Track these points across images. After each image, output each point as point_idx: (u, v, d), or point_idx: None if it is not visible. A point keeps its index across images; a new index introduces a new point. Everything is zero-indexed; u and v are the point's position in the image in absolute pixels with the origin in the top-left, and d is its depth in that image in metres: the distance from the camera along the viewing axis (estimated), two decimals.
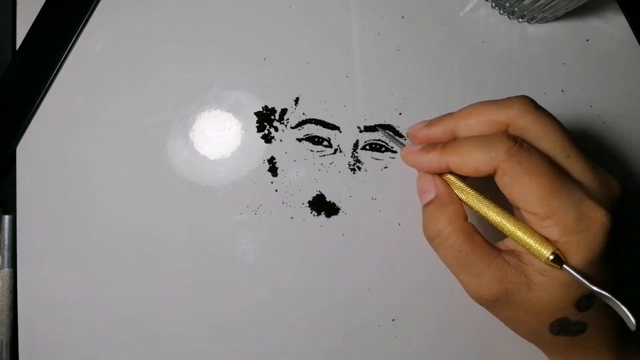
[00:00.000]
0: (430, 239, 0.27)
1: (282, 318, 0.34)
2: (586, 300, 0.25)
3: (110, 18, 0.37)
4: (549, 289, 0.25)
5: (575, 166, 0.25)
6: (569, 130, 0.27)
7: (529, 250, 0.25)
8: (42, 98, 0.35)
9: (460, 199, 0.27)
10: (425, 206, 0.28)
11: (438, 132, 0.28)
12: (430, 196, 0.27)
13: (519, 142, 0.25)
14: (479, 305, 0.30)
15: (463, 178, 0.28)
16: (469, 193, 0.27)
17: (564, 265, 0.23)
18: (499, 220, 0.26)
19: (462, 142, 0.26)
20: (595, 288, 0.23)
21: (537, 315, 0.25)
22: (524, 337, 0.28)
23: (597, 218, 0.24)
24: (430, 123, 0.29)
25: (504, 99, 0.27)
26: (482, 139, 0.25)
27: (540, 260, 0.24)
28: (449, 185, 0.28)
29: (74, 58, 0.36)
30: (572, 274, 0.23)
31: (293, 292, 0.34)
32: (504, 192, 0.25)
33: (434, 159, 0.27)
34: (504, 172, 0.24)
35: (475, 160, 0.25)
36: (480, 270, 0.25)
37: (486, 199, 0.26)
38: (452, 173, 0.28)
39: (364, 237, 0.35)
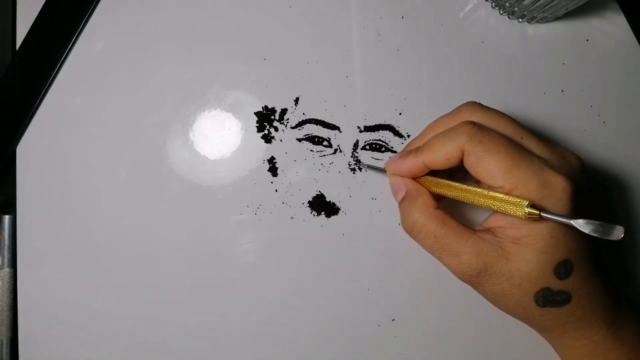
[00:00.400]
0: (409, 231, 0.30)
1: (282, 318, 0.34)
2: (564, 266, 0.26)
3: (110, 18, 0.37)
4: (524, 256, 0.26)
5: (531, 144, 0.28)
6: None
7: (506, 212, 0.26)
8: (42, 98, 0.35)
9: (438, 193, 0.30)
10: (400, 204, 0.31)
11: (409, 167, 0.31)
12: (401, 194, 0.31)
13: (477, 125, 0.28)
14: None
15: (448, 175, 0.31)
16: (444, 184, 0.29)
17: (542, 213, 0.25)
18: (474, 197, 0.28)
19: (431, 139, 0.29)
20: (572, 222, 0.25)
21: (519, 285, 0.27)
22: (514, 315, 0.29)
23: (558, 183, 0.26)
24: (402, 154, 0.32)
25: (453, 110, 0.30)
26: (447, 131, 0.29)
27: (520, 216, 0.25)
28: (416, 181, 0.31)
29: (74, 58, 0.36)
30: (551, 217, 0.25)
31: (293, 292, 0.34)
32: (472, 173, 0.28)
33: (412, 161, 0.30)
34: (468, 153, 0.27)
35: (444, 150, 0.28)
36: (457, 250, 0.28)
37: (461, 184, 0.29)
38: (429, 174, 0.31)
39: (364, 237, 0.35)
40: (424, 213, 0.29)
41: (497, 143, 0.27)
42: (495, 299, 0.29)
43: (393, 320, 0.34)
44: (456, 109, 0.30)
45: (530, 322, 0.29)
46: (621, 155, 0.37)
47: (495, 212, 0.27)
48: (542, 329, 0.30)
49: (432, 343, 0.34)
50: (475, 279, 0.28)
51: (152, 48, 0.37)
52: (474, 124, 0.28)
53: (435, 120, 0.31)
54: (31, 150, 0.35)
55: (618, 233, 0.24)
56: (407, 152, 0.31)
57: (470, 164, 0.27)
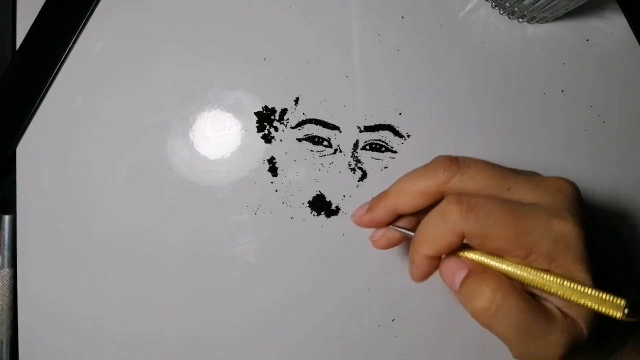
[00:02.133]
0: (481, 316, 0.25)
1: (282, 318, 0.34)
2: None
3: (110, 18, 0.37)
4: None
5: (521, 192, 0.25)
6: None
7: (597, 310, 0.22)
8: (42, 98, 0.35)
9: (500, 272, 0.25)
10: (462, 285, 0.25)
11: (379, 213, 0.28)
12: (462, 273, 0.25)
13: (466, 202, 0.24)
14: None
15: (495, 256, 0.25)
16: (505, 263, 0.25)
17: None
18: (558, 289, 0.23)
19: (422, 227, 0.25)
20: None
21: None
22: None
23: (569, 231, 0.23)
24: (370, 207, 0.28)
25: (424, 168, 0.26)
26: (438, 217, 0.25)
27: (618, 317, 0.22)
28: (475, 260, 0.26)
29: (74, 58, 0.36)
30: None
31: (293, 292, 0.34)
32: (482, 250, 0.25)
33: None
34: (470, 237, 0.24)
35: (443, 239, 0.24)
36: (545, 329, 0.23)
37: (537, 270, 0.24)
38: (471, 250, 0.26)
39: (364, 237, 0.35)
40: (500, 288, 0.24)
41: (495, 214, 0.23)
42: None
43: (393, 320, 0.34)
44: (429, 168, 0.26)
45: None
46: (621, 155, 0.37)
47: (581, 305, 0.23)
48: None
49: (432, 343, 0.34)
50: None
51: (152, 48, 0.37)
52: (461, 203, 0.24)
53: (407, 179, 0.26)
54: (31, 150, 0.35)
55: None
56: (375, 199, 0.28)
57: (477, 245, 0.25)
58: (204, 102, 0.36)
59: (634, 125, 0.38)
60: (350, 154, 0.35)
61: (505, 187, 0.25)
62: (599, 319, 0.23)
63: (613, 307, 0.22)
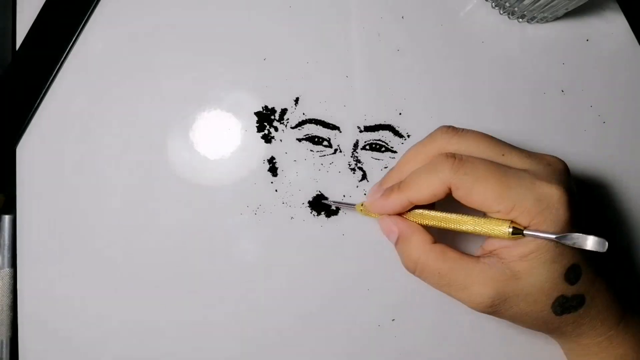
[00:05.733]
0: (412, 272, 0.29)
1: (281, 318, 0.34)
2: (573, 271, 0.26)
3: (110, 18, 0.37)
4: (534, 271, 0.26)
5: (514, 159, 0.27)
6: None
7: (491, 235, 0.26)
8: (42, 98, 0.35)
9: (427, 225, 0.29)
10: (396, 245, 0.30)
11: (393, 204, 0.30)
12: (394, 236, 0.29)
13: (458, 157, 0.27)
14: None
15: (429, 207, 0.29)
16: (429, 217, 0.29)
17: (525, 231, 0.25)
18: (459, 227, 0.27)
19: (412, 175, 0.28)
20: (553, 237, 0.25)
21: (535, 302, 0.26)
22: (535, 329, 0.29)
23: (552, 194, 0.26)
24: (382, 184, 0.31)
25: (426, 136, 0.29)
26: (427, 166, 0.28)
27: (503, 237, 0.26)
28: (406, 219, 0.30)
29: (74, 58, 0.36)
30: (535, 235, 0.25)
31: (293, 292, 0.34)
32: (465, 205, 0.27)
33: (396, 200, 0.28)
34: (457, 187, 0.26)
35: (431, 187, 0.27)
36: (465, 282, 0.27)
37: (445, 213, 0.28)
38: (415, 207, 0.29)
39: (364, 237, 0.35)
40: (422, 250, 0.28)
41: (483, 170, 0.26)
42: (515, 321, 0.28)
43: (393, 320, 0.34)
44: (430, 136, 0.29)
45: (550, 331, 0.29)
46: (621, 155, 0.37)
47: (483, 235, 0.27)
48: (559, 335, 0.30)
49: (432, 343, 0.34)
50: (490, 309, 0.27)
51: (152, 48, 0.37)
52: (453, 156, 0.27)
53: (411, 150, 0.30)
54: (31, 150, 0.35)
55: (602, 246, 0.24)
56: (388, 190, 0.29)
57: (461, 197, 0.27)
58: (204, 102, 0.36)
59: (634, 125, 0.38)
60: (350, 154, 0.35)
61: (500, 153, 0.28)
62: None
63: (498, 231, 0.26)
